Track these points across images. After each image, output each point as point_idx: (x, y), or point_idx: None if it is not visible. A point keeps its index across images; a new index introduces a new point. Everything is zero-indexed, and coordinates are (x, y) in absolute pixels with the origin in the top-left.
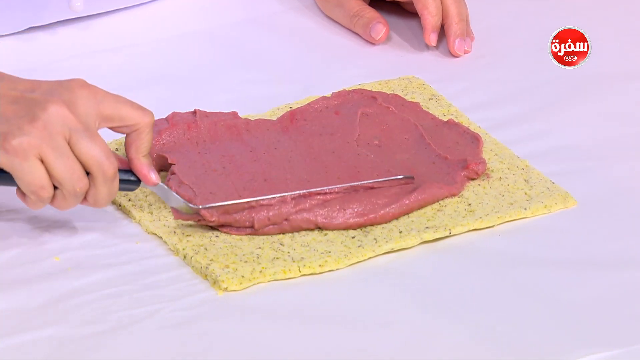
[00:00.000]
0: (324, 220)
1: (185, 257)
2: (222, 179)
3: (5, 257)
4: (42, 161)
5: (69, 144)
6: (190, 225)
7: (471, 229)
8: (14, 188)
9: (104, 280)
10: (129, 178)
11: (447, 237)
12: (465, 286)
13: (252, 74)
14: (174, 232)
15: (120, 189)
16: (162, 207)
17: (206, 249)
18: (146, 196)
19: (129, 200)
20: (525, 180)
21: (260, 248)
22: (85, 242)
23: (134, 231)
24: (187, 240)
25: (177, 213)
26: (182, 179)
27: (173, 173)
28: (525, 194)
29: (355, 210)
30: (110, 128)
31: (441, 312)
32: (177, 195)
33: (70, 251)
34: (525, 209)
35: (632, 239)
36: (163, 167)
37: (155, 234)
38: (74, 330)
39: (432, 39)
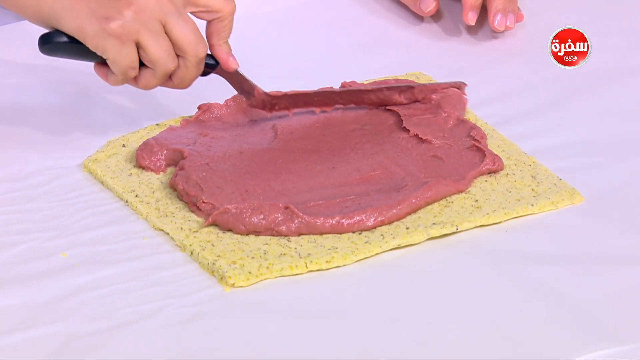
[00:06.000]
0: (330, 228)
1: (192, 253)
2: (230, 172)
3: (13, 253)
4: (136, 43)
5: (163, 26)
6: (198, 222)
7: (478, 225)
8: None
9: (110, 277)
10: (208, 61)
11: (454, 233)
12: (472, 282)
13: (259, 69)
14: (181, 228)
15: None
16: (169, 203)
17: (213, 245)
18: (153, 192)
19: (136, 196)
20: (532, 177)
21: (267, 244)
22: (92, 238)
23: (140, 227)
24: (194, 237)
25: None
26: (190, 175)
27: (182, 168)
28: (532, 190)
29: (363, 216)
30: (194, 13)
31: (448, 308)
32: (251, 81)
33: (77, 247)
34: (532, 205)
35: (639, 235)
36: (174, 162)
37: (162, 230)
38: (81, 327)
39: (471, 17)
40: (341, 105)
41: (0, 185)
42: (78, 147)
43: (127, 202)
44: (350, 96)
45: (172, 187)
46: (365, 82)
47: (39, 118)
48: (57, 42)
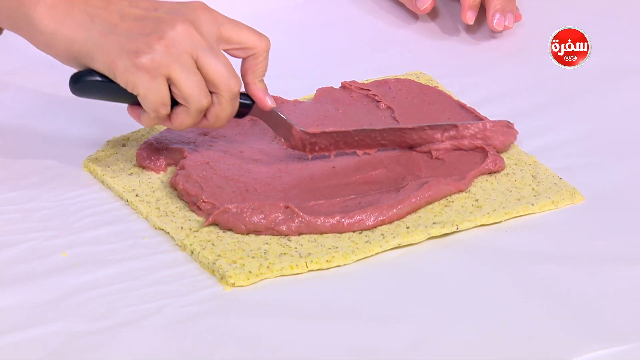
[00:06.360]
0: (331, 227)
1: (192, 252)
2: (230, 172)
3: (13, 253)
4: (167, 79)
5: (195, 62)
6: (198, 221)
7: (478, 224)
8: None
9: (111, 276)
10: (244, 101)
11: (454, 232)
12: (472, 282)
13: None
14: (182, 227)
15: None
16: (170, 202)
17: (213, 245)
18: (153, 192)
19: (137, 195)
20: (532, 176)
21: (267, 244)
22: (92, 238)
23: (141, 227)
24: (195, 236)
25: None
26: (190, 174)
27: (182, 168)
28: (533, 189)
29: (363, 216)
30: (227, 51)
31: (448, 308)
32: (288, 120)
33: (77, 247)
34: (533, 204)
35: (639, 235)
36: (174, 161)
37: (163, 230)
38: (81, 326)
39: (469, 16)
40: (384, 147)
41: (1, 184)
42: (78, 146)
43: (127, 201)
44: (392, 135)
45: (173, 186)
46: (366, 82)
47: (39, 117)
48: (88, 81)
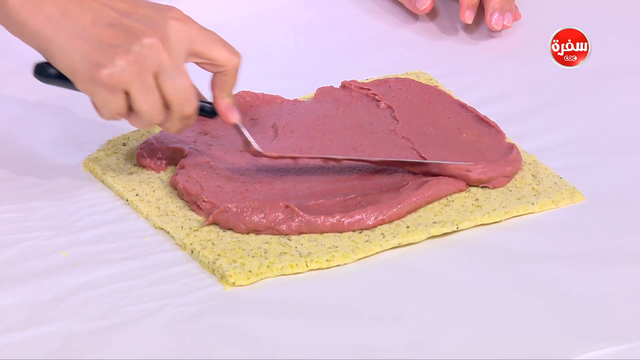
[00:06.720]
0: (331, 227)
1: (192, 252)
2: (230, 171)
3: (13, 252)
4: (125, 92)
5: (156, 78)
6: (198, 220)
7: (478, 224)
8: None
9: (111, 276)
10: (208, 110)
11: (454, 232)
12: (472, 281)
13: (259, 68)
14: (182, 227)
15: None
16: (170, 201)
17: (213, 244)
18: (154, 191)
19: (137, 195)
20: (532, 176)
21: (267, 243)
22: (92, 237)
23: (141, 226)
24: (195, 235)
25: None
26: (190, 173)
27: (182, 167)
28: (533, 189)
29: (363, 215)
30: (197, 64)
31: (448, 308)
32: (249, 138)
33: (77, 246)
34: (533, 204)
35: (639, 234)
36: (174, 160)
37: (163, 229)
38: (82, 326)
39: (468, 16)
40: (352, 162)
41: (1, 183)
42: (78, 145)
43: (127, 200)
44: (352, 164)
45: (173, 185)
46: (366, 81)
47: (39, 117)
48: (50, 74)
